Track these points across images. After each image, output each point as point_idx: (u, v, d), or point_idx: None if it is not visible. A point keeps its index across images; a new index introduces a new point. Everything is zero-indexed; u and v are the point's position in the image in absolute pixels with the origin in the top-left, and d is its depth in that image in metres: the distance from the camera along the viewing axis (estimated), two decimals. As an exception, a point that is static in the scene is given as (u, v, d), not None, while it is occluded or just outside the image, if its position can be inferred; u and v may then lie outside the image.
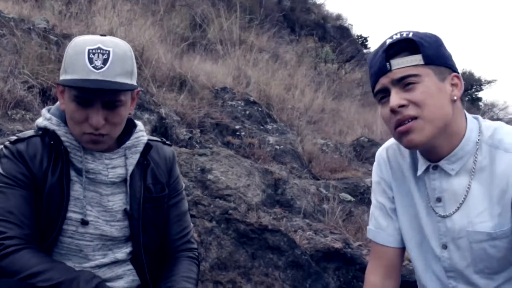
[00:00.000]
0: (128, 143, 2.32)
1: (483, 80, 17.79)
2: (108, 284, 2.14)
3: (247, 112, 6.85)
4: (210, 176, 4.63)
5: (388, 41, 2.04)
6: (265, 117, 6.94)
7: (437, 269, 2.19)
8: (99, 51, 2.13)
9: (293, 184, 5.13)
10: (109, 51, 2.14)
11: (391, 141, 2.31)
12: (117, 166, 2.29)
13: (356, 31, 17.43)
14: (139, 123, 2.42)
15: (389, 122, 2.05)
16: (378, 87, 2.06)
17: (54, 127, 2.23)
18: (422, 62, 1.98)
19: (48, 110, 2.33)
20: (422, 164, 2.14)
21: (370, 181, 5.75)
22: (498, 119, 15.53)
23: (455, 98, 2.03)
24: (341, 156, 6.59)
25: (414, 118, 1.98)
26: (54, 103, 4.83)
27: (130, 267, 2.32)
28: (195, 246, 2.53)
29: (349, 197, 5.55)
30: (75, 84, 2.10)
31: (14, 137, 2.25)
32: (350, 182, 5.78)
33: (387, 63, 2.01)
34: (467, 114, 2.10)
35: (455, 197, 2.09)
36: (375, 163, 2.36)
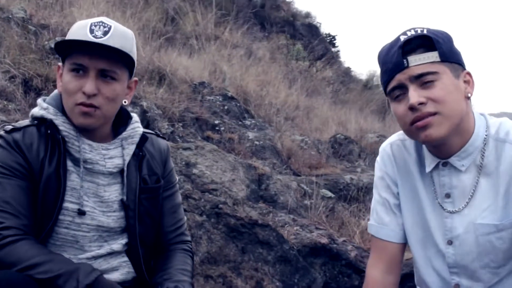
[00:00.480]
0: (124, 133, 2.31)
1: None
2: (103, 275, 2.10)
3: (226, 107, 6.84)
4: (195, 171, 4.62)
5: (403, 38, 2.03)
6: (243, 112, 6.94)
7: (438, 265, 2.21)
8: (101, 24, 2.15)
9: (277, 179, 5.14)
10: (110, 26, 2.16)
11: (395, 137, 2.33)
12: (114, 156, 2.27)
13: (324, 29, 17.50)
14: (134, 115, 2.41)
15: (404, 118, 2.05)
16: (393, 83, 2.05)
17: (51, 116, 2.20)
18: (438, 59, 1.99)
19: (44, 100, 2.30)
20: (430, 161, 2.16)
21: (350, 178, 5.84)
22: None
23: (469, 95, 2.06)
24: (319, 153, 6.62)
25: (433, 114, 1.99)
26: (36, 93, 4.80)
27: (126, 259, 2.30)
28: (189, 238, 2.52)
29: (330, 194, 5.58)
30: (73, 38, 2.12)
31: (10, 126, 2.21)
32: (330, 179, 5.82)
33: (404, 60, 2.01)
34: (474, 110, 2.13)
35: (464, 192, 2.12)
36: (378, 158, 2.36)
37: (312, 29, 16.54)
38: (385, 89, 2.12)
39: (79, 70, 2.14)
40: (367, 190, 5.75)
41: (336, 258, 4.23)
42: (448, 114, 1.99)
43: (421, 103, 1.99)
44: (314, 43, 13.15)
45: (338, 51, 17.16)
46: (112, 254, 2.27)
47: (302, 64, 11.64)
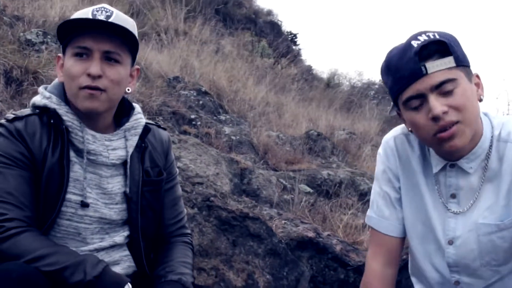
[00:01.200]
0: (127, 124, 2.28)
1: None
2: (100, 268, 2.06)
3: (201, 102, 6.83)
4: (179, 164, 4.58)
5: (417, 43, 1.96)
6: (218, 107, 6.93)
7: (438, 262, 2.23)
8: (103, 9, 2.14)
9: (259, 174, 5.15)
10: (112, 11, 2.16)
11: (398, 130, 2.31)
12: (117, 147, 2.24)
13: (286, 27, 17.55)
14: (136, 105, 2.39)
15: (426, 128, 2.01)
16: (411, 93, 1.99)
17: (54, 106, 2.16)
18: (454, 64, 1.95)
19: (45, 89, 2.26)
20: (438, 163, 2.15)
21: (327, 174, 5.88)
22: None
23: (481, 97, 2.05)
24: (294, 148, 6.66)
25: (455, 123, 1.96)
26: (17, 85, 4.71)
27: (127, 252, 2.28)
28: (189, 231, 2.52)
29: (308, 189, 5.61)
30: (78, 17, 2.12)
31: (11, 115, 2.17)
32: (307, 174, 5.85)
33: (422, 67, 1.94)
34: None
35: (470, 194, 2.13)
36: (381, 152, 2.35)
37: (274, 27, 16.57)
38: (396, 96, 2.05)
39: (83, 54, 2.12)
40: (345, 185, 5.81)
41: (322, 252, 4.26)
42: (469, 121, 1.97)
43: (444, 112, 1.95)
44: (279, 41, 13.18)
45: (300, 49, 17.24)
46: (114, 247, 2.24)
47: (267, 61, 11.66)
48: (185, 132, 5.93)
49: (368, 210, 2.42)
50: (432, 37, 1.96)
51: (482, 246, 2.12)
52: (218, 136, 6.06)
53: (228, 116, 6.82)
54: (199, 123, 6.20)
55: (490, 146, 2.08)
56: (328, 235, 4.46)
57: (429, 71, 1.94)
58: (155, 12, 9.77)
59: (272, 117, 7.64)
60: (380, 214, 2.34)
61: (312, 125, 8.21)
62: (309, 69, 16.12)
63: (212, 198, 3.86)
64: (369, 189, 5.81)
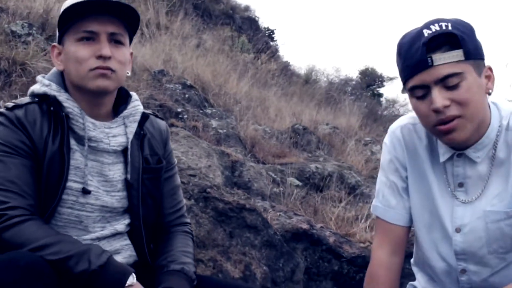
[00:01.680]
0: (125, 112, 2.27)
1: (385, 76, 18.49)
2: (104, 257, 2.04)
3: (186, 96, 6.79)
4: (171, 156, 4.55)
5: (427, 33, 1.96)
6: (203, 101, 6.91)
7: (444, 251, 2.24)
8: None
9: (250, 166, 5.14)
10: None
11: (405, 120, 2.31)
12: (117, 134, 2.23)
13: (263, 23, 17.56)
14: (133, 93, 2.38)
15: (427, 118, 2.03)
16: (415, 82, 2.00)
17: (54, 93, 2.15)
18: (463, 58, 1.94)
19: (43, 77, 2.24)
20: (445, 152, 2.15)
21: (315, 167, 5.89)
22: (398, 115, 16.13)
23: (490, 91, 2.04)
24: (280, 142, 6.66)
25: (457, 117, 1.97)
26: (6, 76, 4.64)
27: (128, 241, 2.27)
28: (189, 220, 2.51)
29: (297, 182, 5.62)
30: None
31: (11, 103, 2.15)
32: (295, 167, 5.86)
33: (429, 58, 1.94)
34: (489, 101, 2.12)
35: (478, 183, 2.13)
36: (387, 141, 2.35)
37: (252, 23, 16.57)
38: (404, 83, 2.07)
39: (89, 38, 2.12)
40: (333, 179, 5.83)
41: (316, 243, 4.27)
42: (471, 116, 1.97)
43: (445, 106, 1.96)
44: (258, 36, 13.19)
45: (277, 45, 17.26)
46: (115, 235, 2.23)
47: (247, 56, 11.66)
48: (172, 125, 5.90)
49: (374, 200, 2.42)
50: (444, 27, 1.94)
51: (490, 234, 2.12)
52: (205, 129, 6.03)
53: (214, 110, 6.80)
54: (186, 116, 6.17)
55: (498, 135, 2.08)
56: (321, 227, 4.47)
57: (435, 63, 1.93)
58: (136, 6, 9.69)
59: (257, 111, 7.64)
60: (386, 204, 2.34)
61: (295, 120, 8.22)
62: (287, 65, 16.14)
63: (208, 190, 3.84)
64: (357, 183, 5.85)
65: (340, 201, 5.11)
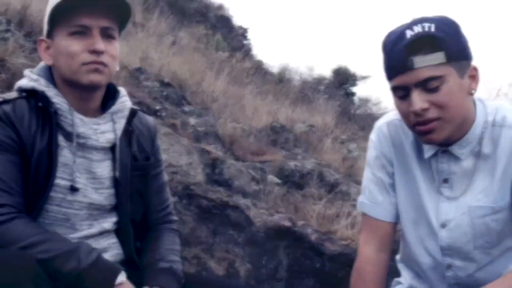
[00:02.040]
0: (113, 108, 2.24)
1: (357, 75, 18.59)
2: (93, 256, 2.02)
3: (164, 93, 6.76)
4: (152, 153, 4.53)
5: (410, 34, 1.95)
6: (181, 99, 6.88)
7: (430, 246, 2.25)
8: None
9: (230, 164, 5.13)
10: None
11: (391, 116, 2.32)
12: (105, 131, 2.20)
13: (236, 21, 17.55)
14: (121, 89, 2.35)
15: (407, 118, 2.05)
16: (396, 83, 2.01)
17: (43, 88, 2.12)
18: (444, 61, 1.94)
19: (31, 72, 2.21)
20: (429, 148, 2.17)
21: (294, 165, 5.90)
22: (371, 114, 16.24)
23: (473, 91, 2.05)
24: (258, 140, 6.66)
25: (436, 119, 1.98)
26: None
27: (115, 240, 2.24)
28: (175, 218, 2.50)
29: (277, 180, 5.62)
30: None
31: None
32: (275, 165, 5.87)
33: (409, 60, 1.94)
34: (474, 98, 2.13)
35: (463, 179, 2.15)
36: (373, 137, 2.36)
37: (225, 21, 16.55)
38: (388, 79, 2.07)
39: (81, 32, 2.09)
40: (312, 176, 5.84)
41: (298, 241, 4.27)
42: (451, 118, 1.99)
43: (424, 109, 1.97)
44: (232, 35, 13.19)
45: (250, 44, 17.26)
46: (102, 233, 2.20)
47: (222, 55, 11.64)
48: (151, 123, 5.86)
49: (360, 196, 2.42)
50: (427, 29, 1.94)
51: (476, 229, 2.14)
52: (184, 127, 6.00)
53: (192, 108, 6.77)
54: (164, 114, 6.13)
55: (484, 132, 2.10)
56: (303, 224, 4.47)
57: (415, 66, 1.94)
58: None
59: (234, 109, 7.63)
60: (373, 200, 2.34)
61: (272, 118, 8.22)
62: (260, 63, 16.15)
63: (192, 187, 3.83)
64: (335, 180, 5.87)
65: (320, 199, 5.12)
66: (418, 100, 1.96)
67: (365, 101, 18.22)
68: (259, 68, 14.32)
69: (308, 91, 13.31)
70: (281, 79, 14.87)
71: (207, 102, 7.20)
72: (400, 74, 1.97)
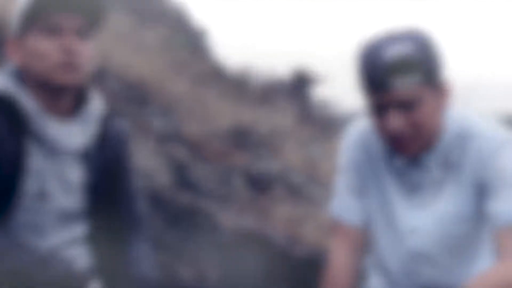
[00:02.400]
0: (85, 111, 2.15)
1: (318, 76, 18.64)
2: (64, 265, 2.01)
3: (126, 94, 6.68)
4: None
5: (388, 54, 1.96)
6: (144, 100, 6.81)
7: (399, 252, 2.25)
8: None
9: (196, 167, 5.10)
10: None
11: (363, 122, 2.33)
12: (77, 134, 2.12)
13: (197, 22, 17.49)
14: (93, 91, 2.29)
15: (380, 130, 2.06)
16: (372, 100, 2.01)
17: (12, 90, 2.04)
18: (422, 81, 1.96)
19: None
20: (400, 156, 2.16)
21: (258, 168, 5.86)
22: (332, 115, 16.37)
23: (445, 106, 2.08)
24: (223, 142, 6.65)
25: (408, 135, 2.00)
26: None
27: (86, 247, 2.16)
28: (147, 224, 2.46)
29: (242, 183, 5.61)
30: None
31: None
32: (240, 169, 5.85)
33: (388, 81, 1.94)
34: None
35: (432, 187, 2.18)
36: (345, 142, 2.34)
37: (186, 22, 16.51)
38: (363, 93, 2.07)
39: (53, 32, 2.02)
40: (277, 179, 5.85)
41: (268, 245, 4.27)
42: (422, 135, 2.03)
43: (400, 130, 1.98)
44: (193, 35, 13.15)
45: (210, 45, 17.22)
46: (73, 242, 2.12)
47: (184, 55, 11.61)
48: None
49: (331, 200, 2.42)
50: (405, 49, 1.95)
51: (444, 236, 2.16)
52: (147, 129, 5.94)
53: (155, 109, 6.72)
54: (127, 115, 6.06)
55: (452, 141, 2.13)
56: (271, 229, 4.47)
57: (393, 86, 1.94)
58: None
59: (197, 110, 7.59)
60: (344, 205, 2.33)
61: (235, 120, 8.21)
62: (220, 64, 16.14)
63: (158, 191, 3.78)
64: (300, 184, 5.88)
65: (286, 202, 5.12)
66: (395, 120, 1.97)
67: (326, 102, 18.32)
68: (220, 69, 14.33)
69: (270, 92, 13.33)
70: (242, 80, 14.87)
71: (171, 103, 7.15)
72: (377, 93, 1.97)
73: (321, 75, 19.04)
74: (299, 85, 18.57)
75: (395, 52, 1.95)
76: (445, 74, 2.07)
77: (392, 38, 1.99)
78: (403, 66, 1.94)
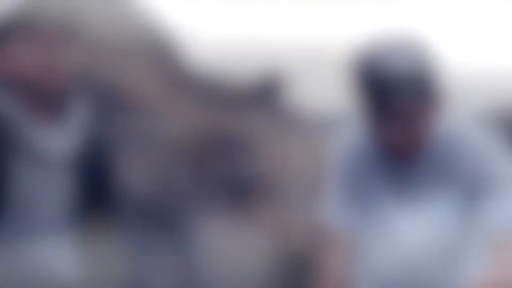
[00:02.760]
0: (69, 115, 2.21)
1: (295, 78, 18.70)
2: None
3: (105, 99, 6.63)
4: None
5: (386, 68, 2.01)
6: (122, 104, 6.76)
7: (392, 257, 2.24)
8: None
9: (175, 172, 5.05)
10: None
11: (353, 125, 2.32)
12: (63, 139, 2.17)
13: (170, 23, 17.50)
14: (79, 94, 2.32)
15: (376, 138, 2.11)
16: (371, 110, 2.05)
17: None
18: (421, 93, 2.01)
19: None
20: (390, 160, 2.21)
21: (243, 171, 5.77)
22: (311, 118, 16.39)
23: (441, 114, 2.12)
24: (202, 146, 6.60)
25: (403, 145, 2.06)
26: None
27: (75, 257, 2.19)
28: (129, 229, 2.50)
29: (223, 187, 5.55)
30: None
31: None
32: (219, 174, 5.80)
33: (387, 94, 2.00)
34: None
35: (422, 193, 2.19)
36: (337, 147, 2.37)
37: (155, 22, 16.47)
38: (361, 103, 2.12)
39: (36, 38, 2.08)
40: (260, 183, 5.81)
41: (251, 250, 4.24)
42: (417, 144, 2.08)
43: (397, 140, 2.04)
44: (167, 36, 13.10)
45: (184, 46, 17.22)
46: (61, 249, 2.16)
47: (157, 57, 11.56)
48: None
49: (320, 205, 2.43)
50: (406, 65, 1.99)
51: (436, 240, 2.18)
52: (127, 133, 5.89)
53: (133, 114, 6.66)
54: (106, 120, 6.00)
55: (444, 146, 2.15)
56: (254, 233, 4.43)
57: (391, 100, 1.99)
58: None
59: (174, 114, 7.55)
60: (334, 209, 2.36)
61: (213, 124, 8.17)
62: (196, 66, 16.13)
63: (141, 197, 3.74)
64: (281, 188, 5.83)
65: (267, 207, 5.09)
66: (394, 133, 2.02)
67: (305, 104, 18.45)
68: (196, 71, 14.30)
69: (248, 94, 13.31)
70: (220, 83, 14.86)
71: (147, 107, 7.11)
72: (375, 105, 2.01)
73: (299, 76, 19.20)
74: (276, 87, 18.61)
75: (397, 66, 1.99)
76: (441, 81, 2.09)
77: (392, 51, 2.03)
78: (404, 81, 1.98)
